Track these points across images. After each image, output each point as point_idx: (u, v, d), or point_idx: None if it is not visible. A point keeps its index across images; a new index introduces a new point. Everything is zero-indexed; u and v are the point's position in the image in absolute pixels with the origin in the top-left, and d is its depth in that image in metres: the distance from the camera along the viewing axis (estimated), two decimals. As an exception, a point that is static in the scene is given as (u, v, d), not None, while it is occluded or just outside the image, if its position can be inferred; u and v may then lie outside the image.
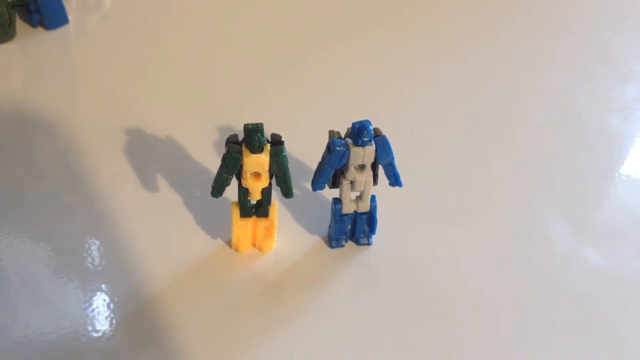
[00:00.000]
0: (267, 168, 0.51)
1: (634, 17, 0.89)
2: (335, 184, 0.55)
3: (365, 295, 0.55)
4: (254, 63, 0.77)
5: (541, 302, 0.55)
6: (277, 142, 0.51)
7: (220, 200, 0.56)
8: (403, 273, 0.56)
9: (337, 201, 0.55)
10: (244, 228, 0.55)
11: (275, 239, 0.57)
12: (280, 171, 0.52)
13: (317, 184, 0.54)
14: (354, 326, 0.53)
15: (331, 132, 0.54)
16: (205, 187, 0.60)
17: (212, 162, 0.63)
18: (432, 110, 0.72)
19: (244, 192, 0.53)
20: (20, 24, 0.78)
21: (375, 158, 0.52)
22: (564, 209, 0.62)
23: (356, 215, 0.56)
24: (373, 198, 0.55)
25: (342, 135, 0.53)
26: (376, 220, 0.56)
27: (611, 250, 0.59)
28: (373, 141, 0.52)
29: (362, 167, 0.53)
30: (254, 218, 0.55)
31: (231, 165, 0.51)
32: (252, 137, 0.50)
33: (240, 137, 0.52)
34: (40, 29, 0.78)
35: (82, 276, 0.55)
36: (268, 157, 0.51)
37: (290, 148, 0.56)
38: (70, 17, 0.79)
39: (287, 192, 0.53)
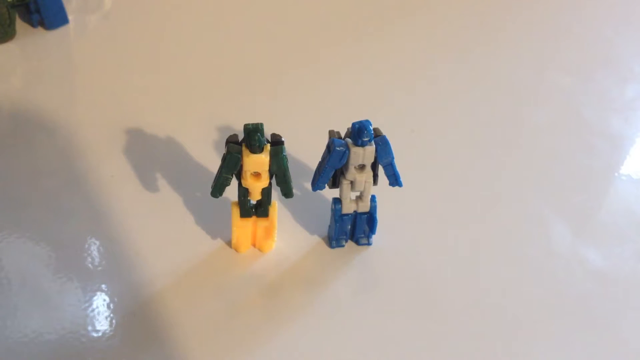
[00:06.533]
0: (267, 168, 0.51)
1: (634, 18, 0.89)
2: (335, 184, 0.55)
3: (365, 295, 0.55)
4: (254, 63, 0.77)
5: (541, 302, 0.55)
6: (277, 142, 0.51)
7: (220, 200, 0.56)
8: (403, 273, 0.56)
9: (337, 201, 0.55)
10: (244, 228, 0.55)
11: (275, 239, 0.57)
12: (280, 171, 0.52)
13: (317, 184, 0.54)
14: (354, 326, 0.53)
15: (331, 132, 0.54)
16: (205, 187, 0.60)
17: (212, 162, 0.63)
18: (432, 110, 0.72)
19: (244, 192, 0.53)
20: (20, 24, 0.78)
21: (375, 158, 0.52)
22: (564, 209, 0.62)
23: (356, 215, 0.56)
24: (373, 198, 0.55)
25: (342, 135, 0.53)
26: (376, 220, 0.56)
27: (611, 251, 0.59)
28: (373, 141, 0.52)
29: (362, 167, 0.53)
30: (254, 218, 0.55)
31: (231, 165, 0.51)
32: (252, 137, 0.50)
33: (240, 137, 0.52)
34: (40, 29, 0.78)
35: (82, 276, 0.55)
36: (268, 157, 0.51)
37: (290, 148, 0.56)
38: (70, 17, 0.79)
39: (287, 192, 0.53)
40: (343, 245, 0.58)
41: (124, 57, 0.76)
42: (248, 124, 0.50)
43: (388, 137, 0.52)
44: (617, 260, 0.59)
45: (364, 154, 0.52)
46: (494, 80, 0.77)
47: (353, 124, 0.51)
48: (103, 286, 0.54)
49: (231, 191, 0.54)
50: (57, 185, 0.61)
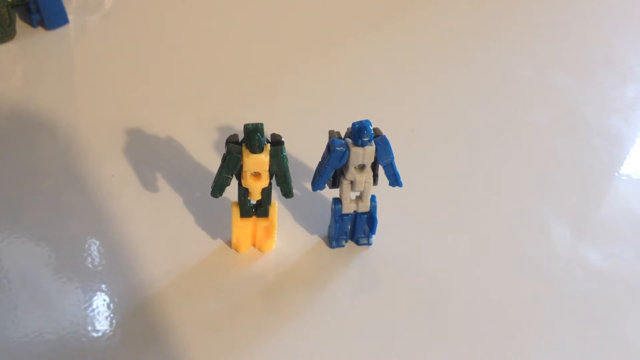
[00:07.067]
0: (267, 168, 0.51)
1: (634, 18, 0.89)
2: (335, 184, 0.55)
3: (365, 295, 0.55)
4: (254, 63, 0.77)
5: (541, 302, 0.55)
6: (277, 142, 0.51)
7: (220, 200, 0.56)
8: (403, 273, 0.56)
9: (337, 201, 0.55)
10: (244, 228, 0.55)
11: (275, 239, 0.57)
12: (280, 171, 0.52)
13: (317, 184, 0.54)
14: (354, 326, 0.53)
15: (331, 132, 0.54)
16: (205, 187, 0.60)
17: (212, 162, 0.63)
18: (432, 110, 0.72)
19: (244, 192, 0.53)
20: (20, 24, 0.78)
21: (375, 158, 0.52)
22: (564, 209, 0.62)
23: (356, 215, 0.56)
24: (373, 198, 0.55)
25: (342, 135, 0.53)
26: (376, 220, 0.56)
27: (611, 251, 0.59)
28: (373, 141, 0.52)
29: (362, 167, 0.53)
30: (254, 218, 0.55)
31: (231, 165, 0.51)
32: (252, 137, 0.50)
33: (240, 137, 0.52)
34: (40, 29, 0.78)
35: (82, 276, 0.55)
36: (268, 157, 0.51)
37: (290, 148, 0.56)
38: (70, 17, 0.79)
39: (287, 192, 0.53)
40: (343, 245, 0.58)
41: (124, 57, 0.76)
42: (248, 124, 0.50)
43: (388, 137, 0.52)
44: (617, 260, 0.59)
45: (364, 154, 0.52)
46: (494, 80, 0.77)
47: (353, 124, 0.51)
48: (103, 286, 0.54)
49: (231, 191, 0.54)
50: (57, 185, 0.61)
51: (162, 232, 0.58)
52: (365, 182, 0.54)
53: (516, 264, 0.58)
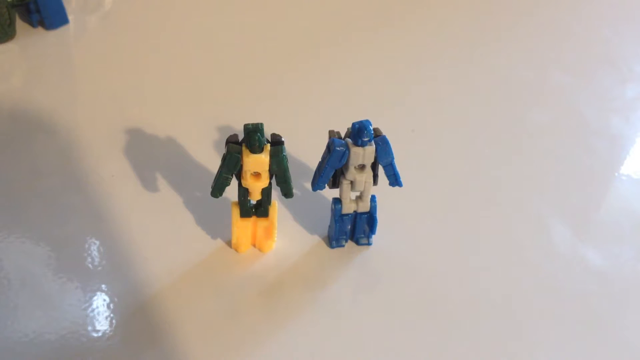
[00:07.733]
0: (267, 168, 0.51)
1: (634, 17, 0.89)
2: (335, 184, 0.55)
3: (365, 295, 0.55)
4: (254, 63, 0.77)
5: (541, 302, 0.55)
6: (277, 142, 0.51)
7: (220, 200, 0.56)
8: (403, 273, 0.56)
9: (337, 201, 0.55)
10: (244, 228, 0.55)
11: (275, 239, 0.57)
12: (280, 171, 0.52)
13: (317, 184, 0.54)
14: (354, 326, 0.53)
15: (331, 132, 0.54)
16: (205, 187, 0.60)
17: (212, 162, 0.63)
18: (432, 110, 0.72)
19: (244, 192, 0.53)
20: (20, 24, 0.78)
21: (375, 158, 0.52)
22: (564, 209, 0.62)
23: (356, 215, 0.56)
24: (373, 198, 0.55)
25: (342, 135, 0.53)
26: (376, 220, 0.56)
27: (611, 251, 0.59)
28: (373, 141, 0.52)
29: (362, 167, 0.53)
30: (254, 218, 0.55)
31: (231, 165, 0.51)
32: (252, 137, 0.50)
33: (240, 137, 0.52)
34: (40, 29, 0.78)
35: (82, 276, 0.55)
36: (268, 157, 0.51)
37: (290, 148, 0.56)
38: (70, 17, 0.79)
39: (287, 192, 0.53)
40: (343, 245, 0.58)
41: (124, 57, 0.76)
42: (248, 124, 0.50)
43: (388, 137, 0.52)
44: (617, 260, 0.59)
45: (364, 154, 0.52)
46: (494, 80, 0.77)
47: (353, 124, 0.51)
48: (103, 286, 0.54)
49: (231, 191, 0.54)
50: (57, 185, 0.61)
51: (162, 232, 0.58)
52: (365, 182, 0.54)
53: (516, 264, 0.58)
